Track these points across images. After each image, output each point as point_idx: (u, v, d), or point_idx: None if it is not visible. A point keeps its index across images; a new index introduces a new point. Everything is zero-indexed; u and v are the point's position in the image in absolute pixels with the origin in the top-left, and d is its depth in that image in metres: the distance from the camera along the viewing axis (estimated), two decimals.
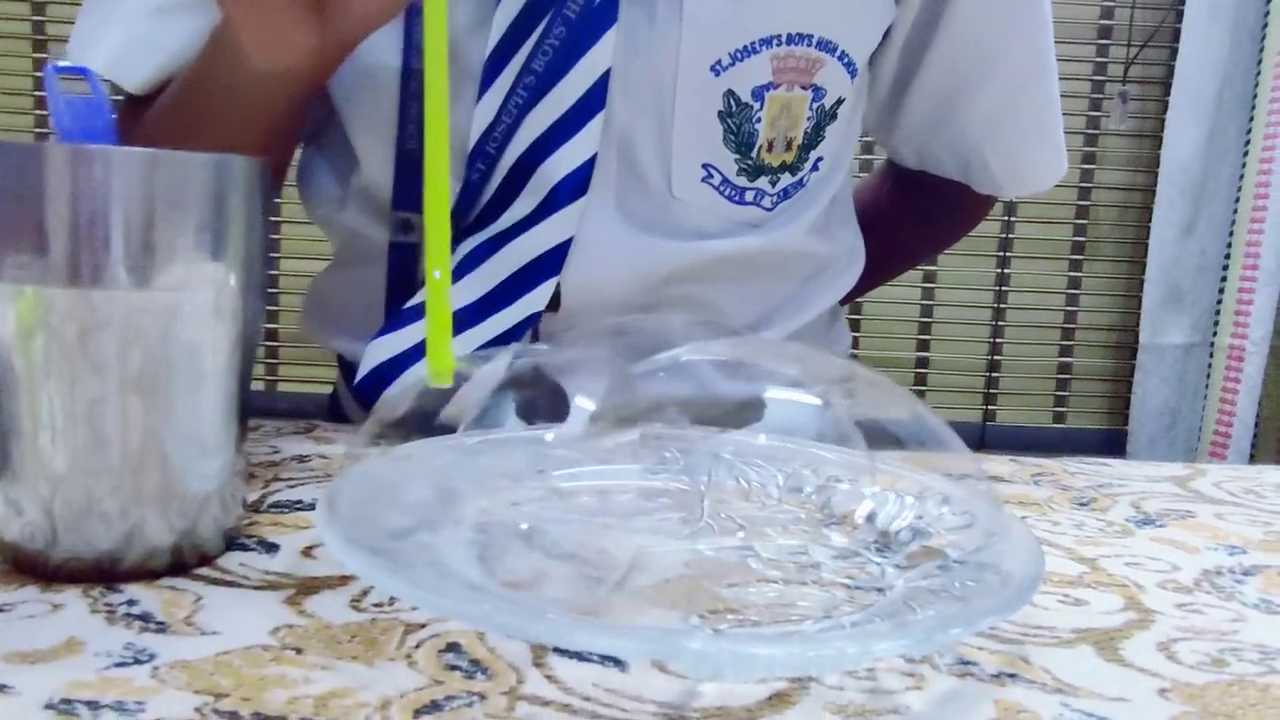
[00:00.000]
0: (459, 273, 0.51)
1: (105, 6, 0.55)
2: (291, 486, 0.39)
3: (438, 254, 0.34)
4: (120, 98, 0.57)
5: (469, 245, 0.51)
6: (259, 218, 0.31)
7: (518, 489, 0.38)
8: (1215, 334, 1.43)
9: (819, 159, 0.56)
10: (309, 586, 0.29)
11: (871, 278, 0.66)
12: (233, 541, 0.32)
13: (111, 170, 0.28)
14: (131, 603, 0.27)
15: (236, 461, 0.32)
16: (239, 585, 0.29)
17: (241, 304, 0.31)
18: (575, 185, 0.49)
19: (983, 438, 1.54)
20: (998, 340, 1.54)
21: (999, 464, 0.50)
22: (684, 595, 0.29)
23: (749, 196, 0.54)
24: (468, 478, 0.38)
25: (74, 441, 0.28)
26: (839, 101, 0.55)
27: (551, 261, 0.50)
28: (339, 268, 0.60)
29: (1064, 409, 1.55)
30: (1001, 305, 1.53)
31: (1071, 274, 1.54)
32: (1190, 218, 1.43)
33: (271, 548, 0.32)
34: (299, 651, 0.25)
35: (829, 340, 0.65)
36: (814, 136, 0.55)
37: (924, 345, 1.54)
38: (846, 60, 0.54)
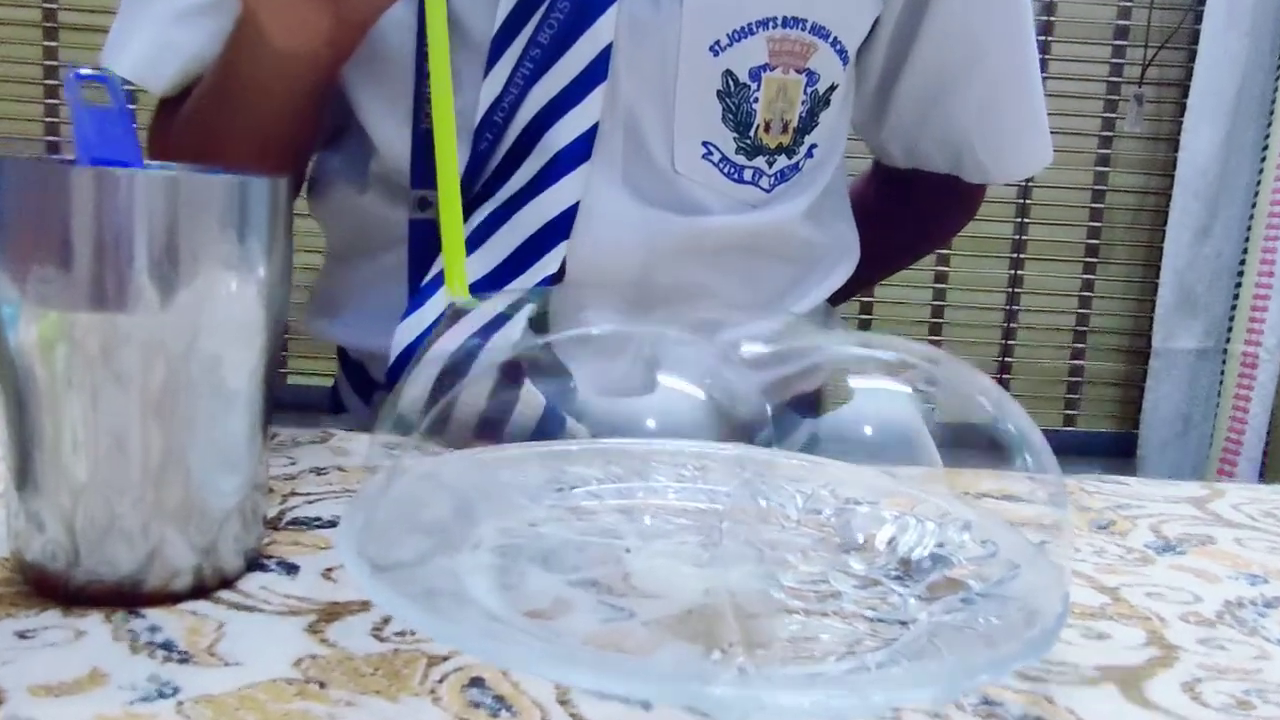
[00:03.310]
0: (470, 246, 0.52)
1: (131, 14, 0.58)
2: (310, 502, 0.39)
3: (447, 180, 0.36)
4: (135, 107, 0.58)
5: (478, 217, 0.52)
6: (282, 237, 0.31)
7: (536, 507, 0.38)
8: (1229, 340, 1.42)
9: (813, 145, 0.58)
10: (330, 613, 0.29)
11: (859, 279, 0.66)
12: (253, 562, 0.32)
13: (135, 192, 0.28)
14: (154, 629, 0.27)
15: (257, 478, 0.32)
16: (260, 610, 0.29)
17: (264, 322, 0.31)
18: (577, 151, 0.51)
19: None
20: (1009, 342, 1.54)
21: (1015, 481, 0.50)
22: (705, 627, 0.29)
23: (747, 175, 0.56)
24: (486, 496, 0.38)
25: (96, 455, 0.28)
26: (832, 88, 0.57)
27: (559, 227, 0.52)
28: (350, 259, 0.61)
29: (1075, 412, 1.55)
30: (1013, 307, 1.53)
31: (1085, 276, 1.53)
32: (1206, 222, 1.42)
33: (292, 569, 0.32)
34: (322, 685, 0.25)
35: None
36: (809, 121, 0.57)
37: (935, 345, 1.53)
38: (839, 47, 0.56)
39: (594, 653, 0.26)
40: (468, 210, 0.53)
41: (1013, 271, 1.52)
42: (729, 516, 0.38)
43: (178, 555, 0.30)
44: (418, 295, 0.53)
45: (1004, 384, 1.54)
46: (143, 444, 0.28)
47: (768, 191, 0.57)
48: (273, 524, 0.36)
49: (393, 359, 0.52)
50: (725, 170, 0.55)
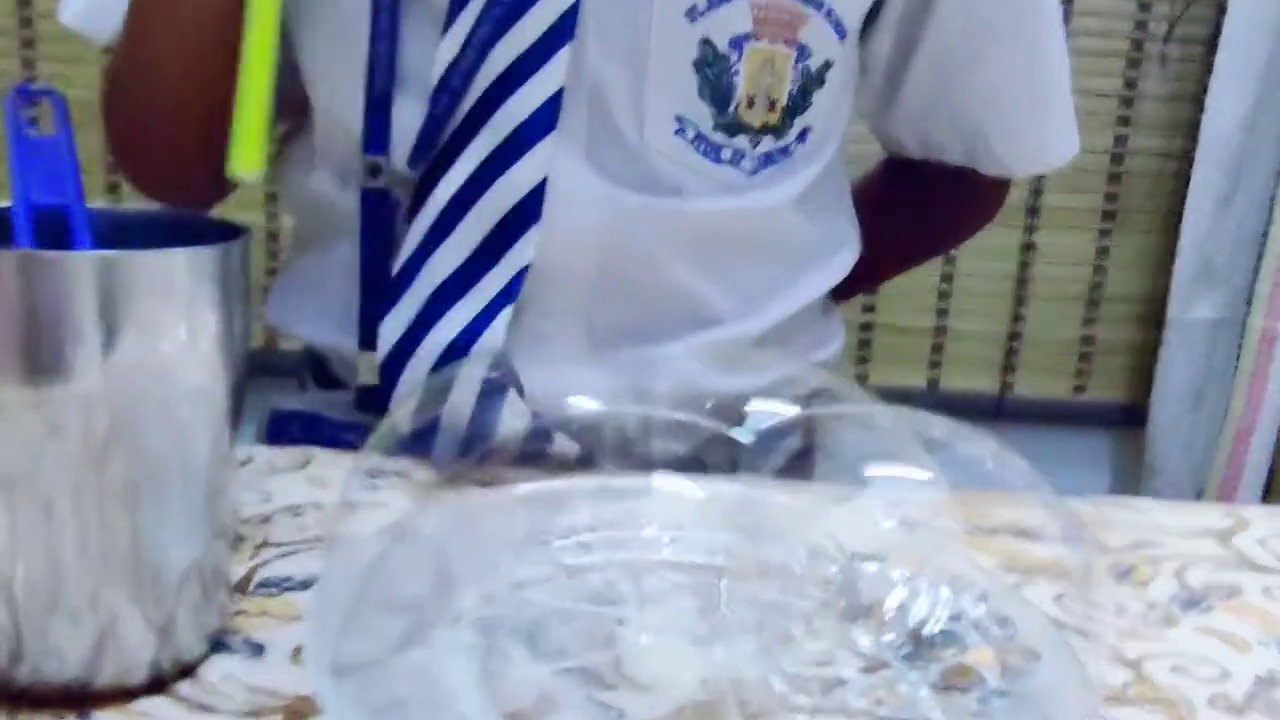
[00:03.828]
0: (437, 237, 0.50)
1: None
2: (283, 555, 0.37)
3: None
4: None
5: (439, 200, 0.49)
6: (234, 300, 0.29)
7: (519, 563, 0.36)
8: (1248, 313, 1.39)
9: (806, 129, 0.54)
10: (296, 711, 0.27)
11: (869, 276, 0.63)
12: (216, 642, 0.30)
13: (68, 275, 0.26)
14: None
15: (222, 528, 0.30)
16: (220, 712, 0.27)
17: (221, 372, 0.29)
18: (542, 122, 0.48)
19: (1000, 408, 1.51)
20: (1020, 309, 1.50)
21: (1031, 512, 0.48)
22: None
23: (725, 155, 0.52)
24: (467, 554, 0.36)
25: (34, 519, 0.27)
26: (827, 65, 0.53)
27: (529, 208, 0.49)
28: (306, 250, 0.58)
29: (1085, 381, 1.52)
30: (1026, 274, 1.49)
31: (1101, 243, 1.49)
32: (1228, 190, 1.37)
33: (258, 649, 0.30)
34: None
35: (822, 334, 0.62)
36: (800, 101, 0.53)
37: (943, 313, 1.50)
38: (834, 19, 0.52)
39: None
40: (426, 186, 0.50)
41: (1026, 237, 1.48)
42: (728, 574, 0.36)
43: (132, 637, 0.28)
44: (393, 286, 0.50)
45: (1012, 351, 1.51)
46: (86, 505, 0.27)
47: (751, 174, 0.53)
48: (241, 586, 0.34)
49: (383, 357, 0.50)
50: (701, 149, 0.51)
